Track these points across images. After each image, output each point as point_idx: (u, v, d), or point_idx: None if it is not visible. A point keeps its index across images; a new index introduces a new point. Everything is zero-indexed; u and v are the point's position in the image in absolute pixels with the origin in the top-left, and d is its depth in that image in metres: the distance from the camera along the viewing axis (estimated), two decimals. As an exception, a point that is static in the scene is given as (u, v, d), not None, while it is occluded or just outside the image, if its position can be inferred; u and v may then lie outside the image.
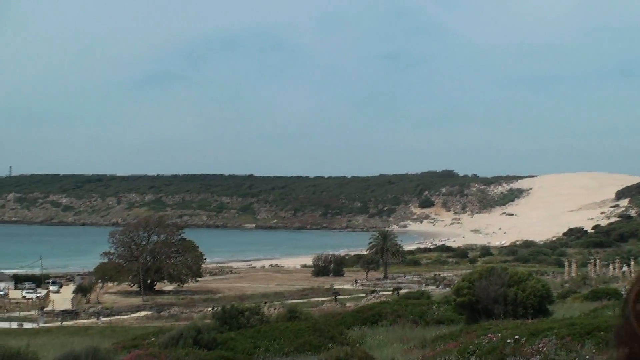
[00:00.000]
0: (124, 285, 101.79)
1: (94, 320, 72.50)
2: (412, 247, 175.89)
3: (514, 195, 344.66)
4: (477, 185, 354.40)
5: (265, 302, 63.95)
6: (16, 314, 77.61)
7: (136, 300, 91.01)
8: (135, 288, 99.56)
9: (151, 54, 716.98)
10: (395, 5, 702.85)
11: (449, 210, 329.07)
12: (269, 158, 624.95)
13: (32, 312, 78.69)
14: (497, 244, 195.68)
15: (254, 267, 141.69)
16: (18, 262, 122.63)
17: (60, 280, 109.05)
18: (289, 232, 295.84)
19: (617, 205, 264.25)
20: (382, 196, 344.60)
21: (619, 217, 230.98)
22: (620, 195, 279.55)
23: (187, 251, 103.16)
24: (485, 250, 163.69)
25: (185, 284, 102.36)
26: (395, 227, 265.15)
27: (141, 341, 30.46)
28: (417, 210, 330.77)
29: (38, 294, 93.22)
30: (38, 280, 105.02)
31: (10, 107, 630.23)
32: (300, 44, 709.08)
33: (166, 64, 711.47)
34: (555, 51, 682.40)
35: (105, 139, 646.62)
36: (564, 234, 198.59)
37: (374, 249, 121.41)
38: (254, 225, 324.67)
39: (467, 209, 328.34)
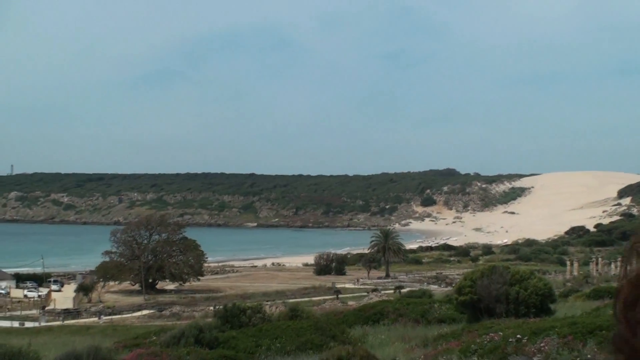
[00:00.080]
0: (126, 284, 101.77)
1: (96, 319, 72.52)
2: (414, 246, 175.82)
3: (516, 193, 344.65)
4: (479, 184, 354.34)
5: (267, 301, 63.88)
6: (18, 313, 77.62)
7: (138, 299, 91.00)
8: (136, 287, 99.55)
9: (152, 53, 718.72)
10: (395, 5, 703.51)
11: (450, 209, 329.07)
12: (270, 157, 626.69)
13: (34, 311, 78.64)
14: (499, 242, 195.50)
15: (256, 266, 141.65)
16: (19, 261, 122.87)
17: (61, 279, 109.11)
18: (291, 230, 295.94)
19: (619, 204, 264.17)
20: (384, 194, 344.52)
21: (621, 216, 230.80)
22: (622, 193, 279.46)
23: (188, 250, 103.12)
24: (487, 249, 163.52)
25: (187, 283, 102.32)
26: (397, 225, 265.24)
27: (143, 340, 30.45)
28: (419, 209, 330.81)
29: (39, 293, 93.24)
30: (39, 279, 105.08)
31: (12, 106, 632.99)
32: (301, 44, 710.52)
33: (167, 63, 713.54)
34: (556, 50, 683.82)
35: (106, 138, 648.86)
36: (565, 232, 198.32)
37: (375, 248, 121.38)
38: (255, 224, 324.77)
39: (469, 208, 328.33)
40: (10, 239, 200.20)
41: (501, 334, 19.86)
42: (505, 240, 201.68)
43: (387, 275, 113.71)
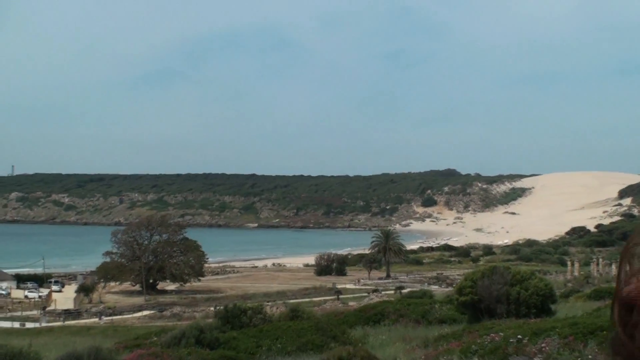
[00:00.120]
0: (126, 285, 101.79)
1: (96, 319, 72.52)
2: (415, 246, 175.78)
3: (517, 194, 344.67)
4: (479, 184, 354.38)
5: (268, 302, 63.85)
6: (18, 313, 77.67)
7: (138, 300, 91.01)
8: (137, 287, 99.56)
9: (152, 53, 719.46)
10: (395, 5, 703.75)
11: (451, 209, 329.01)
12: (271, 157, 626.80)
13: (35, 312, 78.68)
14: (499, 243, 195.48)
15: (256, 267, 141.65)
16: (20, 261, 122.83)
17: (62, 280, 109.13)
18: (292, 231, 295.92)
19: (620, 204, 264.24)
20: (384, 195, 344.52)
21: (621, 216, 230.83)
22: (623, 194, 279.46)
23: (189, 250, 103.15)
24: (488, 249, 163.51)
25: (188, 284, 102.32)
26: (397, 226, 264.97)
27: (143, 341, 30.45)
28: (420, 209, 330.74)
29: (40, 294, 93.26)
30: (40, 280, 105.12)
31: (13, 106, 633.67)
32: (301, 44, 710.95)
33: (167, 63, 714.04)
34: (556, 50, 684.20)
35: (107, 138, 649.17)
36: (566, 232, 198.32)
37: (376, 248, 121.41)
38: (256, 225, 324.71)
39: (470, 208, 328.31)
40: (11, 239, 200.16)
41: (502, 334, 19.86)
42: (506, 241, 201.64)
43: (388, 276, 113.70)
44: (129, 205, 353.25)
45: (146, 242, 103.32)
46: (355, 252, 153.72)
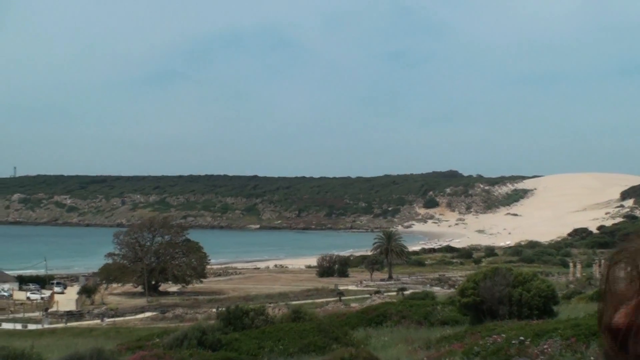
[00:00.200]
0: (129, 286, 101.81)
1: (99, 321, 72.58)
2: (417, 248, 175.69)
3: (519, 195, 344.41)
4: (481, 186, 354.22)
5: (270, 303, 63.87)
6: (20, 315, 77.73)
7: (140, 301, 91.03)
8: (139, 289, 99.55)
9: (153, 53, 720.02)
10: (397, 4, 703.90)
11: (453, 211, 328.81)
12: (273, 158, 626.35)
13: (37, 313, 78.78)
14: (501, 244, 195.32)
15: (259, 268, 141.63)
16: (22, 263, 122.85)
17: (64, 281, 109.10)
18: (294, 232, 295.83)
19: (622, 206, 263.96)
20: (386, 196, 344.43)
21: (623, 218, 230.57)
22: (625, 195, 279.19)
23: (191, 252, 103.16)
24: (490, 251, 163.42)
25: (190, 285, 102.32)
26: (399, 227, 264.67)
27: (145, 342, 30.46)
28: (422, 211, 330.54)
29: (42, 295, 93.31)
30: (42, 281, 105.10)
31: (14, 107, 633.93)
32: (303, 44, 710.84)
33: (169, 63, 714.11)
34: (557, 50, 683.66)
35: (109, 139, 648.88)
36: (568, 234, 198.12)
37: (378, 250, 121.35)
38: (258, 226, 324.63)
39: (472, 209, 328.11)
40: (13, 241, 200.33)
41: (504, 335, 19.86)
42: (508, 242, 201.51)
43: (390, 277, 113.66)
44: (131, 206, 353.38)
45: (148, 243, 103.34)
46: (357, 254, 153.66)
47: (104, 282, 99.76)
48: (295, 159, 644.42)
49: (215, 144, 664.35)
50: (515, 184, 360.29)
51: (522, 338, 18.68)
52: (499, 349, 18.57)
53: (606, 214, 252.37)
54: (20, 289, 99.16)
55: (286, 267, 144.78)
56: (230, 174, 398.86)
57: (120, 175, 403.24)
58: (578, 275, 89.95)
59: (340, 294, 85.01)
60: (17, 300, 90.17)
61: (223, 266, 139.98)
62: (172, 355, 21.91)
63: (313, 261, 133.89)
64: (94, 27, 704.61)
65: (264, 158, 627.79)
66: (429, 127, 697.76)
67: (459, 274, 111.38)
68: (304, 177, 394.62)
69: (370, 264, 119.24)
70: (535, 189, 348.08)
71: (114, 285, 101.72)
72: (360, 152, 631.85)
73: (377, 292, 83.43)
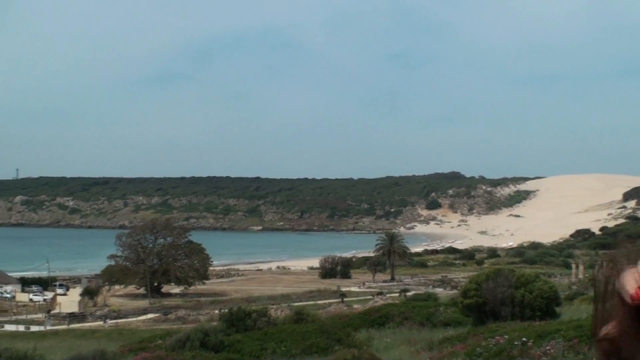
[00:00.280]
0: (131, 288, 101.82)
1: (101, 323, 72.61)
2: (419, 249, 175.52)
3: (521, 196, 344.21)
4: (483, 187, 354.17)
5: (272, 304, 63.82)
6: (23, 316, 77.80)
7: (143, 303, 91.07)
8: (142, 291, 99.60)
9: (155, 54, 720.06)
10: (398, 5, 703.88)
11: (455, 212, 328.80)
12: (275, 160, 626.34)
13: (39, 315, 78.83)
14: (504, 245, 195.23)
15: (261, 270, 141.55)
16: (25, 264, 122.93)
17: (67, 283, 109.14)
18: (296, 234, 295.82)
19: (624, 207, 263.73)
20: (388, 198, 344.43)
21: (626, 219, 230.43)
22: (627, 196, 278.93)
23: (193, 254, 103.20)
24: (492, 252, 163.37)
25: (192, 287, 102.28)
26: (402, 228, 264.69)
27: (148, 344, 30.45)
28: (424, 212, 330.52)
29: (45, 297, 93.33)
30: (45, 283, 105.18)
31: (15, 108, 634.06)
32: (305, 45, 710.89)
33: (170, 64, 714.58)
34: (559, 50, 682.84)
35: (110, 141, 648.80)
36: (571, 235, 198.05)
37: (380, 251, 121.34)
38: (260, 228, 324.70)
39: (474, 211, 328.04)
40: (16, 242, 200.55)
41: (507, 337, 19.85)
42: (510, 243, 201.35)
43: (393, 279, 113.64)
44: (133, 208, 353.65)
45: (151, 245, 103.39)
46: (359, 255, 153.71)
47: (106, 283, 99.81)
48: (297, 161, 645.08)
49: (217, 145, 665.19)
50: (518, 185, 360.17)
51: (524, 339, 18.67)
52: (502, 350, 18.56)
53: (608, 215, 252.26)
54: (23, 290, 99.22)
55: (288, 268, 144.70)
56: (233, 175, 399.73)
57: (122, 177, 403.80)
58: (580, 276, 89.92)
59: (343, 295, 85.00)
60: (20, 302, 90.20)
61: (225, 268, 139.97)
62: (174, 357, 21.92)
63: (315, 263, 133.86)
64: (95, 28, 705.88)
65: (266, 159, 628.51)
66: (430, 128, 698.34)
67: (462, 275, 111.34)
68: (306, 179, 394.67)
69: (373, 265, 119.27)
70: (538, 190, 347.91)
71: (117, 287, 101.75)
72: (362, 154, 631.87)
73: (380, 293, 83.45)
